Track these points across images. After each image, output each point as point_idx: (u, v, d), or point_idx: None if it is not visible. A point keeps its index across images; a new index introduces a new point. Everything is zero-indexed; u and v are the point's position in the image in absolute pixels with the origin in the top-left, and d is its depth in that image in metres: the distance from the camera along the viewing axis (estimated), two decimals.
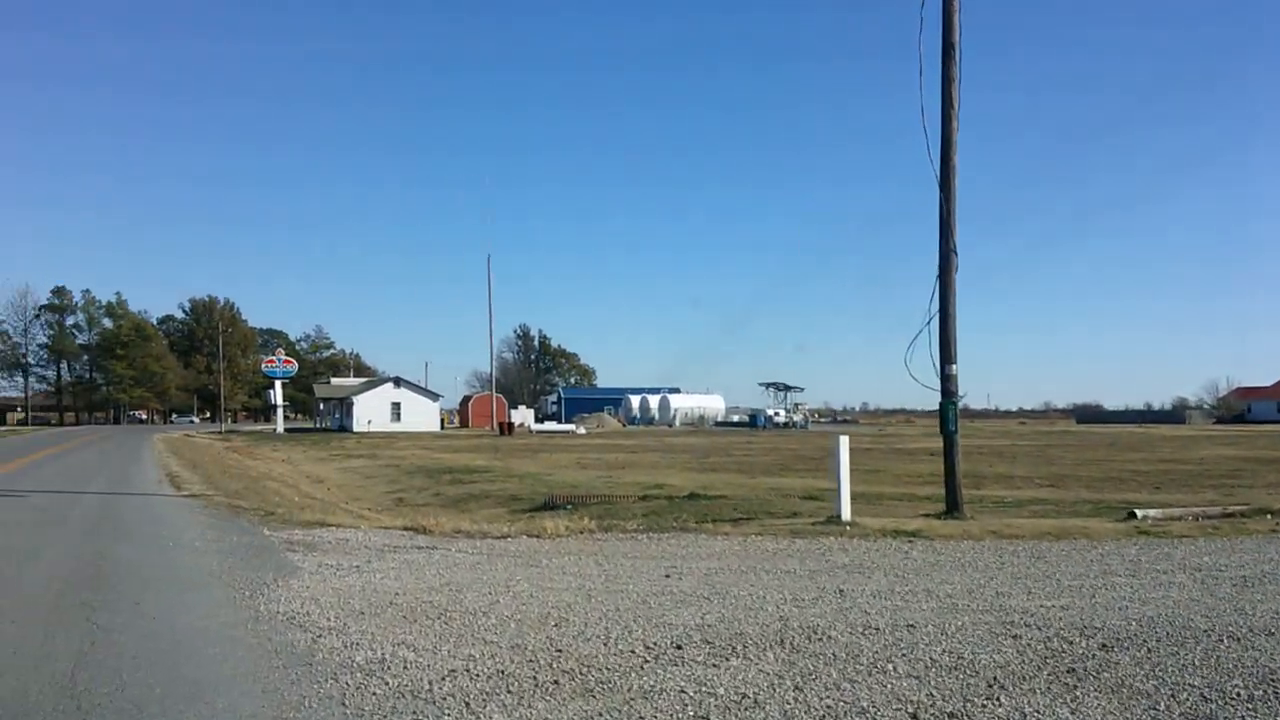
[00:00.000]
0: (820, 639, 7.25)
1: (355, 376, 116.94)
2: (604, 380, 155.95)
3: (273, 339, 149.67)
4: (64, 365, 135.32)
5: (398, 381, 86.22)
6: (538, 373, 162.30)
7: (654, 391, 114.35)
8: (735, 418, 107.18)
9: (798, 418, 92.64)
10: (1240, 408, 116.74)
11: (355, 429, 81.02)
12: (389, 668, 6.45)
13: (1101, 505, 19.14)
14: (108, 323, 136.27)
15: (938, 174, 16.04)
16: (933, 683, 6.09)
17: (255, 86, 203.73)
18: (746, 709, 5.61)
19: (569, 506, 23.31)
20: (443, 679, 6.19)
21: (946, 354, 15.99)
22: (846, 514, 15.11)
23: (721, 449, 49.05)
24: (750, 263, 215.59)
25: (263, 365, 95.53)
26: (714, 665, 6.54)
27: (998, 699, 5.75)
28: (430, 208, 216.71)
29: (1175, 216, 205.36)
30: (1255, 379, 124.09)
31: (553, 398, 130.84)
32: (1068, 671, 6.33)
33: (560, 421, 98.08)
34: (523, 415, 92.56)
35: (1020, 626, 7.63)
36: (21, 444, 49.96)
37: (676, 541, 13.42)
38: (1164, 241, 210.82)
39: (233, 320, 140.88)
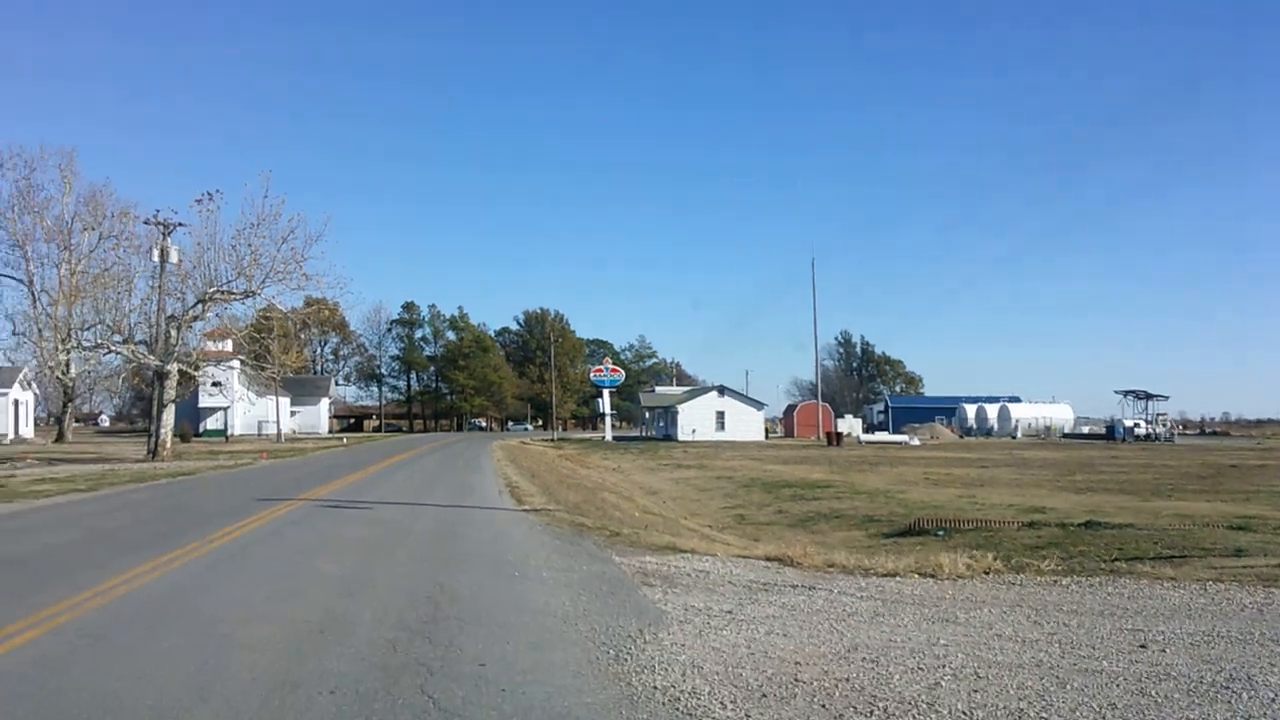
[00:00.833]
0: None
1: (677, 385, 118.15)
2: (931, 389, 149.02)
3: (599, 349, 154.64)
4: (413, 375, 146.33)
5: (722, 390, 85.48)
6: (860, 381, 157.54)
7: (991, 400, 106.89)
8: (1086, 429, 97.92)
9: (1160, 429, 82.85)
10: None
11: (680, 438, 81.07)
12: None
13: None
14: (451, 335, 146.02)
15: None
16: None
17: (590, 125, 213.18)
18: None
19: (941, 533, 20.47)
20: None
21: None
22: None
23: (1083, 464, 43.70)
24: (1101, 268, 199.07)
25: (591, 374, 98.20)
26: None
27: None
28: (740, 212, 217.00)
29: None
30: None
31: (878, 407, 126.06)
32: None
33: (888, 431, 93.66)
34: (850, 425, 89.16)
35: None
36: (375, 451, 53.06)
37: (1114, 590, 10.60)
38: None
39: (562, 331, 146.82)
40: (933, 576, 11.49)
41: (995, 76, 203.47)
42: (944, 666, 6.97)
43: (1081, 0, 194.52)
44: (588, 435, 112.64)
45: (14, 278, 64.82)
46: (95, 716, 5.48)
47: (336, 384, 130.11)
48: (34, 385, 72.11)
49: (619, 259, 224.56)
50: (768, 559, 13.33)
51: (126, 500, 20.48)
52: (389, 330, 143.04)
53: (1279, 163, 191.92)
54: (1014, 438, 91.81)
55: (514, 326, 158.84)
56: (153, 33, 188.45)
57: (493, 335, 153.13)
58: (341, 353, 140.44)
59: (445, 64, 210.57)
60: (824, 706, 5.88)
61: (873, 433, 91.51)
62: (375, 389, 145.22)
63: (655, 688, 6.21)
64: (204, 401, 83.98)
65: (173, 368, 42.80)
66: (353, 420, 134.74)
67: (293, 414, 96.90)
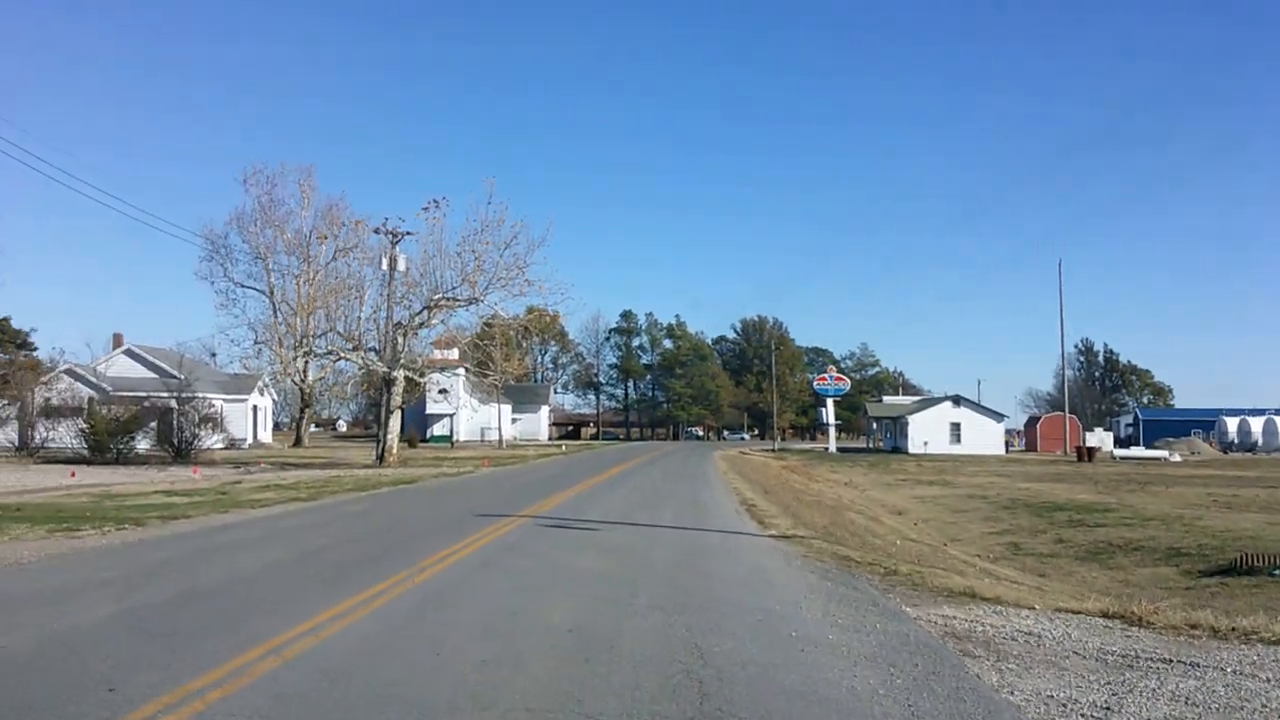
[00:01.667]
0: None
1: (901, 395, 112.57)
2: (1180, 400, 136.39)
3: (818, 357, 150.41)
4: (629, 384, 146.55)
5: (957, 400, 79.94)
6: (1103, 391, 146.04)
7: (1255, 413, 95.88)
8: None
9: None
10: None
11: (910, 450, 76.41)
12: None
13: None
14: (669, 343, 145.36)
15: None
16: None
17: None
18: None
19: (1277, 571, 16.62)
20: None
21: None
22: None
23: None
24: None
25: (815, 383, 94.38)
26: None
27: None
28: (972, 210, 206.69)
29: None
30: None
31: (1126, 419, 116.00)
32: None
33: (1139, 445, 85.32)
34: (1099, 438, 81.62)
35: None
36: (594, 460, 51.80)
37: None
38: None
39: (781, 339, 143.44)
40: None
41: None
42: None
43: None
44: (808, 445, 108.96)
45: (256, 289, 67.96)
46: None
47: (555, 392, 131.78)
48: (271, 392, 75.47)
49: (839, 265, 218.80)
50: (1105, 616, 10.21)
51: (341, 512, 19.20)
52: (607, 338, 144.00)
53: None
54: None
55: (730, 335, 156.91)
56: (382, 64, 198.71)
57: (709, 343, 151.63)
58: (560, 361, 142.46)
59: (672, 85, 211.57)
60: None
61: (1128, 447, 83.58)
62: (593, 397, 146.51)
63: None
64: (430, 408, 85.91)
65: (399, 374, 42.83)
66: (570, 428, 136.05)
67: (514, 421, 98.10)
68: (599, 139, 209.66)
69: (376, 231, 44.69)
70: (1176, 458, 71.20)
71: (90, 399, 47.48)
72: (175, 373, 54.66)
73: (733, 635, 8.11)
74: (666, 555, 12.79)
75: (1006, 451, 79.18)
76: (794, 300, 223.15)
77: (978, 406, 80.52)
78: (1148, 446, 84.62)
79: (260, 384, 65.74)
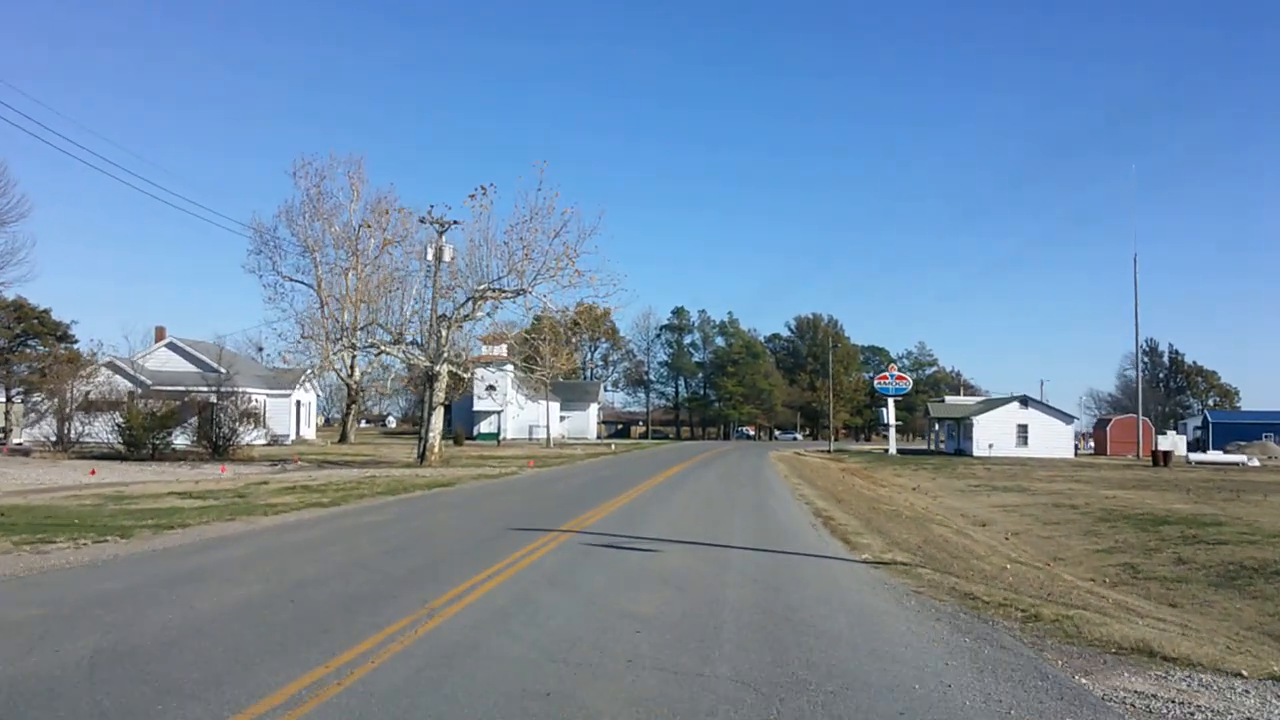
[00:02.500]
0: None
1: (962, 395, 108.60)
2: (1247, 403, 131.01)
3: (874, 356, 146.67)
4: (680, 382, 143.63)
5: (1025, 401, 76.16)
6: (1168, 393, 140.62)
7: None
8: None
9: None
10: None
11: (975, 452, 72.99)
12: None
13: None
14: (721, 341, 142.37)
15: None
16: None
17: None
18: None
19: None
20: None
21: None
22: None
23: None
24: None
25: (875, 382, 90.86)
26: None
27: None
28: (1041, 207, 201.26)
29: None
30: None
31: (1195, 421, 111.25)
32: None
33: (1210, 449, 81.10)
34: (1172, 441, 77.50)
35: None
36: (646, 461, 49.34)
37: None
38: None
39: (836, 337, 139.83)
40: None
41: None
42: None
43: None
44: (863, 446, 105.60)
45: (304, 283, 66.27)
46: None
47: (605, 390, 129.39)
48: (316, 387, 73.85)
49: (893, 261, 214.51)
50: None
51: (360, 523, 16.88)
52: (658, 336, 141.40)
53: None
54: None
55: (784, 333, 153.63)
56: (445, 63, 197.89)
57: (763, 341, 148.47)
58: (611, 358, 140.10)
59: (731, 92, 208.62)
60: None
61: (1199, 451, 79.46)
62: (643, 395, 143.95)
63: None
64: (478, 405, 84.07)
65: (442, 369, 40.78)
66: (620, 426, 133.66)
67: (562, 419, 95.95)
68: (649, 140, 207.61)
69: (423, 221, 42.74)
70: (1256, 462, 67.43)
71: (130, 393, 45.96)
72: (216, 365, 53.19)
73: None
74: (745, 595, 10.20)
75: (1075, 455, 75.46)
76: (852, 297, 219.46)
77: (1046, 408, 76.74)
78: (1215, 449, 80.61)
79: (304, 378, 64.11)
